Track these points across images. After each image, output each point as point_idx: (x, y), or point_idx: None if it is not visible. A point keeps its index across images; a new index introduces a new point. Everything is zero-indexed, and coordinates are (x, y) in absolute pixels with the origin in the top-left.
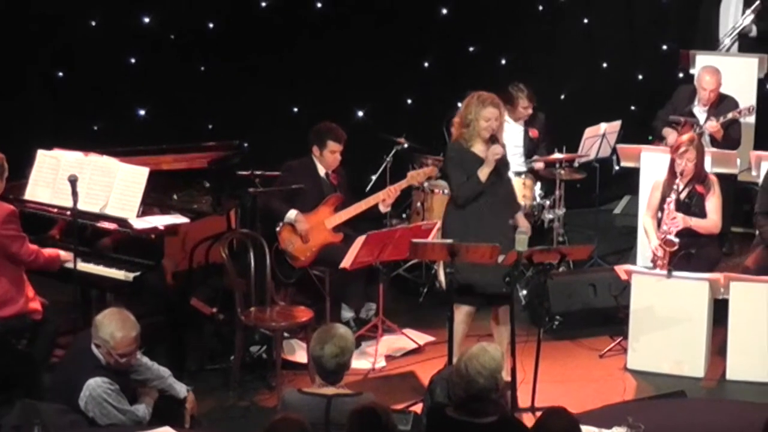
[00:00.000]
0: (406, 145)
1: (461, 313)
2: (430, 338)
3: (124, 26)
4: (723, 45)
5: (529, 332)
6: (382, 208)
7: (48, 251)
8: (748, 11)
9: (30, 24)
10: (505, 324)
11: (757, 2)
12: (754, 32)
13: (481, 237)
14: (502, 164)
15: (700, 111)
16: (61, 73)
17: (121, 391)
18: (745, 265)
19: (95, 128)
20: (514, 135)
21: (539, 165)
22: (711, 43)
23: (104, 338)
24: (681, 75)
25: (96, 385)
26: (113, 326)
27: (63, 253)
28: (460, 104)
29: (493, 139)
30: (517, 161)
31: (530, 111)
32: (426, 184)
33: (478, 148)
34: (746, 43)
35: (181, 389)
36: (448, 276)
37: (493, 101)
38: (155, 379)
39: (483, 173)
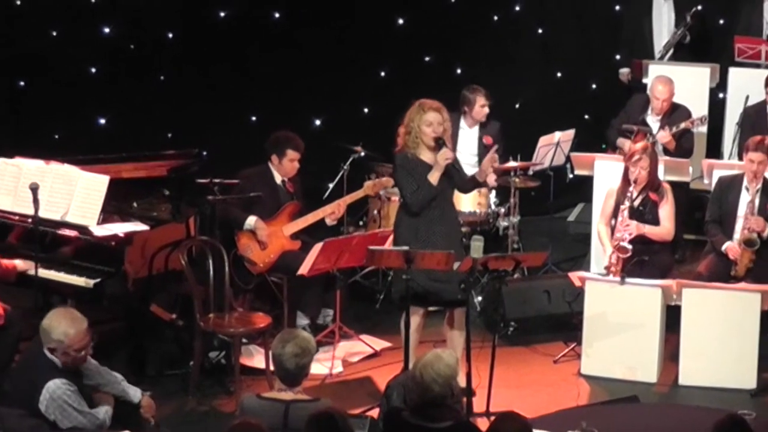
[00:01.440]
0: (362, 154)
1: (417, 319)
2: (386, 344)
3: (85, 37)
4: (659, 55)
5: (484, 338)
6: (329, 221)
7: (5, 262)
8: (682, 26)
9: None
10: (459, 329)
11: (693, 9)
12: (687, 39)
13: (430, 243)
14: (452, 170)
15: (653, 120)
16: (22, 83)
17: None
18: (698, 271)
19: (56, 137)
20: (468, 142)
21: (491, 177)
22: (646, 53)
23: (58, 339)
24: (628, 83)
25: (56, 387)
26: (64, 325)
27: (20, 264)
28: None
29: (441, 142)
30: (472, 170)
31: (487, 110)
32: (383, 192)
33: (425, 155)
34: (682, 52)
35: (135, 393)
36: (404, 282)
37: (432, 106)
38: (107, 384)
39: (434, 178)
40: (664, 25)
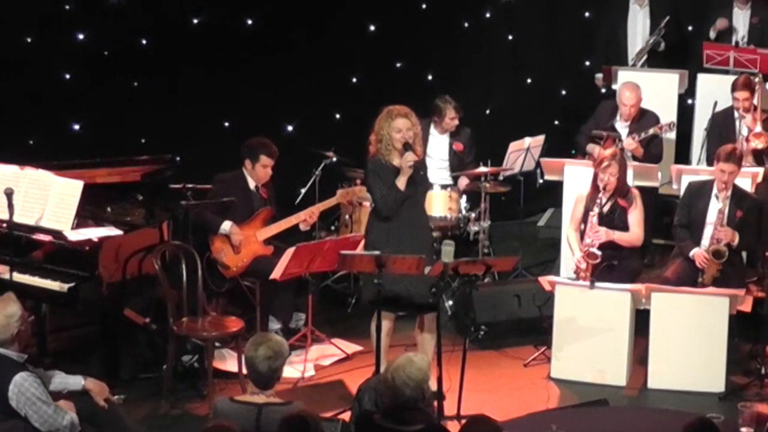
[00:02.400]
0: (334, 159)
1: (388, 323)
2: (357, 347)
3: (59, 43)
4: (633, 62)
5: (455, 342)
6: (302, 227)
7: None
8: (657, 32)
9: None
10: (430, 332)
11: (668, 17)
12: (662, 46)
13: (401, 247)
14: (419, 175)
15: (621, 126)
16: None
17: None
18: (665, 276)
19: (31, 142)
20: (439, 148)
21: (463, 182)
22: (620, 60)
23: (8, 324)
24: (603, 90)
25: (22, 380)
26: (7, 311)
27: None
28: None
29: (407, 147)
30: (442, 175)
31: (456, 122)
32: (355, 199)
33: (396, 161)
34: (656, 59)
35: (76, 381)
36: (375, 286)
37: (400, 112)
38: (48, 382)
39: (401, 182)
40: (638, 32)
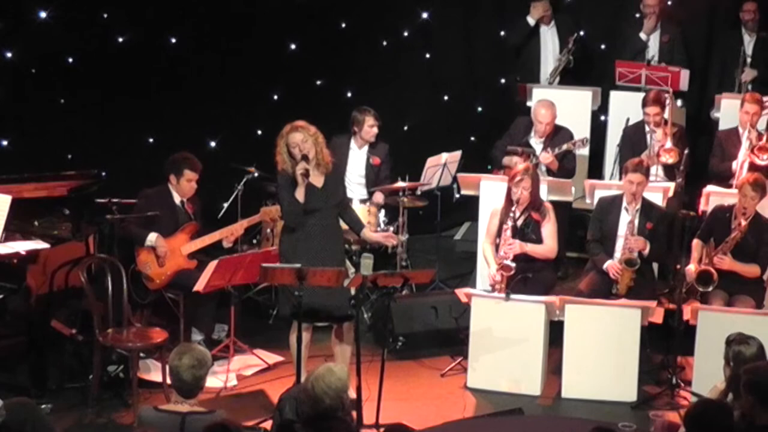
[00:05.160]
0: (256, 174)
1: (307, 334)
2: (279, 358)
3: None
4: (549, 79)
5: (373, 352)
6: (225, 244)
7: None
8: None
9: None
10: (348, 343)
11: (576, 34)
12: (572, 64)
13: (308, 258)
14: (331, 186)
15: (536, 142)
16: None
17: None
18: (579, 288)
19: None
20: (357, 163)
21: (378, 197)
22: (533, 78)
23: None
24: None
25: None
26: None
27: None
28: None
29: (305, 158)
30: (361, 190)
31: (376, 130)
32: (276, 214)
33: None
34: (570, 77)
35: None
36: (295, 298)
37: (294, 127)
38: None
39: (299, 193)
40: (549, 51)
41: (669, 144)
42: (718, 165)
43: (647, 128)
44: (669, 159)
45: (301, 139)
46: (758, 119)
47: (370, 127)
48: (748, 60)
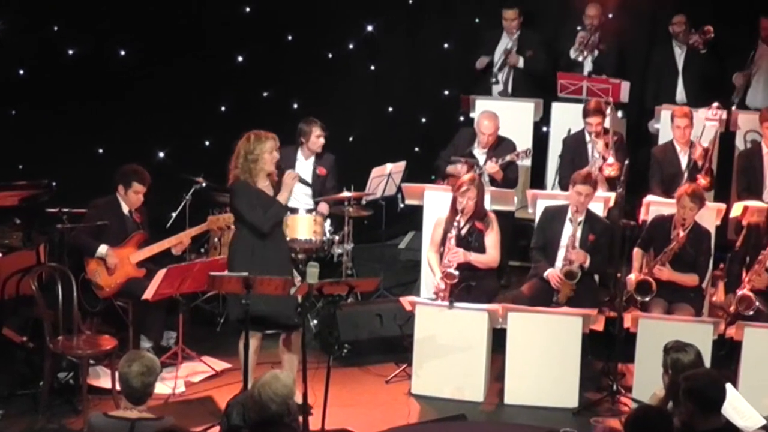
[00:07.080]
0: (204, 184)
1: (254, 341)
2: (226, 365)
3: None
4: (495, 80)
5: (319, 359)
6: (175, 252)
7: None
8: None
9: None
10: (295, 351)
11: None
12: (521, 63)
13: (265, 267)
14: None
15: (479, 153)
16: None
17: None
18: (522, 291)
19: None
20: (304, 174)
21: (323, 207)
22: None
23: None
24: (462, 119)
25: None
26: None
27: None
28: None
29: (279, 167)
30: (307, 200)
31: (322, 140)
32: (224, 223)
33: (262, 184)
34: (519, 87)
35: None
36: (242, 306)
37: (268, 136)
38: None
39: (283, 198)
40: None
41: (611, 159)
42: (659, 186)
43: (588, 137)
44: (611, 172)
45: (276, 147)
46: (690, 132)
47: (317, 138)
48: (680, 72)
